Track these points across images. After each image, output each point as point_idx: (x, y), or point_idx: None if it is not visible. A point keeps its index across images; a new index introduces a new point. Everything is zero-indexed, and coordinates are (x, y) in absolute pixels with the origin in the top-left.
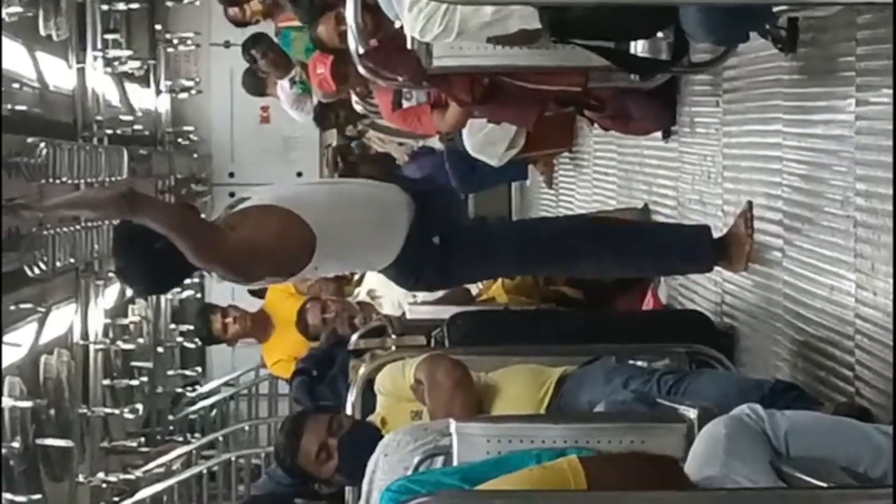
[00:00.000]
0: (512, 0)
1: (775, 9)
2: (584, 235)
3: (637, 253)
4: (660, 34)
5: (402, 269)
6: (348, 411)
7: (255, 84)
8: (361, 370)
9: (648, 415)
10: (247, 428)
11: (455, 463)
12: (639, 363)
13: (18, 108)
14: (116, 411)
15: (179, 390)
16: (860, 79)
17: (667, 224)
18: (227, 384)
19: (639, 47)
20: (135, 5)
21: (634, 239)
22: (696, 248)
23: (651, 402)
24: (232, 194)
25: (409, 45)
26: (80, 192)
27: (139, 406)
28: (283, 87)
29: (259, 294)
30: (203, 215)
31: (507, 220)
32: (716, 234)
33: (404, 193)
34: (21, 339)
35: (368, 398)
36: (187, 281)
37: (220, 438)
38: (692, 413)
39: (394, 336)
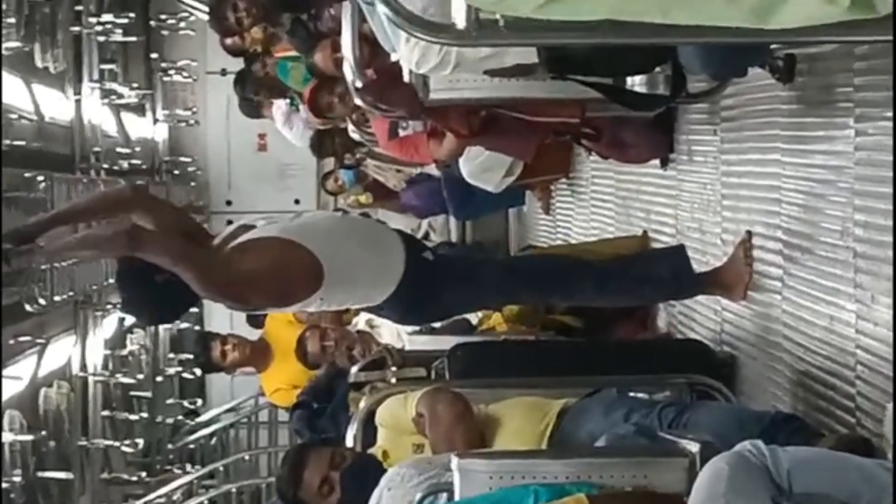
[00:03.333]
0: (508, 42)
1: (772, 45)
2: (567, 269)
3: (619, 290)
4: (657, 69)
5: (400, 299)
6: (349, 444)
7: (251, 107)
8: (362, 403)
9: (650, 449)
10: (247, 457)
11: (457, 499)
12: (639, 395)
13: (17, 142)
14: (116, 443)
15: (180, 419)
16: (858, 110)
17: (646, 257)
18: (226, 413)
19: (636, 81)
20: (131, 37)
21: (617, 277)
22: (681, 281)
23: (652, 436)
24: (230, 222)
25: (405, 78)
26: (83, 234)
27: (139, 441)
28: (278, 105)
29: (258, 324)
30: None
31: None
32: (715, 263)
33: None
34: (20, 372)
35: (369, 430)
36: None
37: (221, 468)
38: (694, 447)
39: (394, 368)
